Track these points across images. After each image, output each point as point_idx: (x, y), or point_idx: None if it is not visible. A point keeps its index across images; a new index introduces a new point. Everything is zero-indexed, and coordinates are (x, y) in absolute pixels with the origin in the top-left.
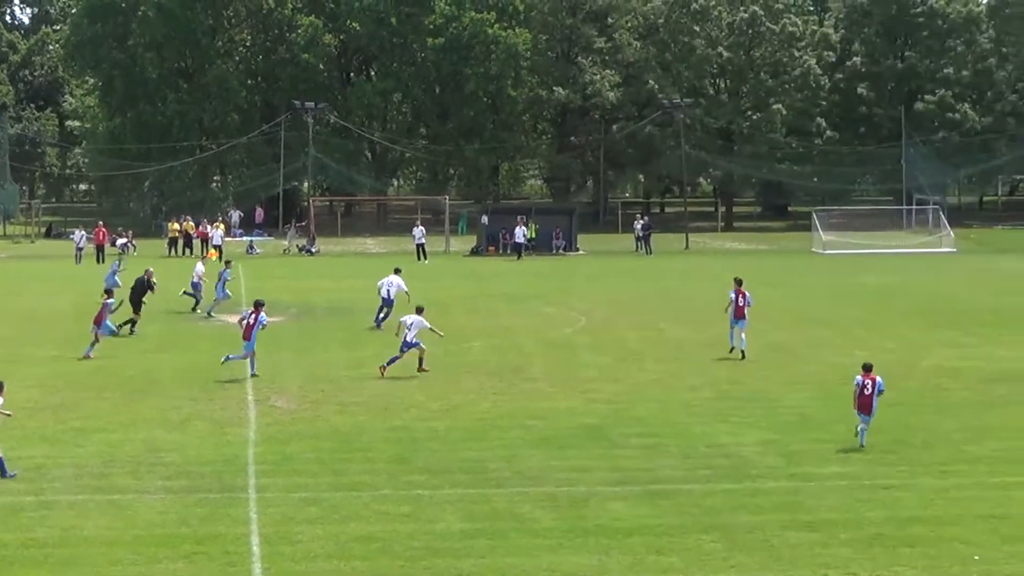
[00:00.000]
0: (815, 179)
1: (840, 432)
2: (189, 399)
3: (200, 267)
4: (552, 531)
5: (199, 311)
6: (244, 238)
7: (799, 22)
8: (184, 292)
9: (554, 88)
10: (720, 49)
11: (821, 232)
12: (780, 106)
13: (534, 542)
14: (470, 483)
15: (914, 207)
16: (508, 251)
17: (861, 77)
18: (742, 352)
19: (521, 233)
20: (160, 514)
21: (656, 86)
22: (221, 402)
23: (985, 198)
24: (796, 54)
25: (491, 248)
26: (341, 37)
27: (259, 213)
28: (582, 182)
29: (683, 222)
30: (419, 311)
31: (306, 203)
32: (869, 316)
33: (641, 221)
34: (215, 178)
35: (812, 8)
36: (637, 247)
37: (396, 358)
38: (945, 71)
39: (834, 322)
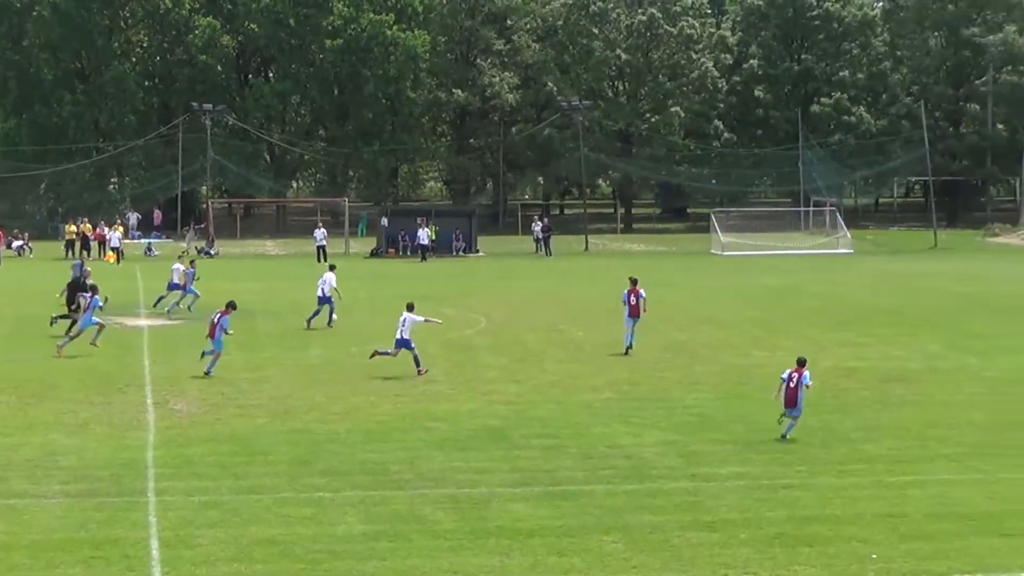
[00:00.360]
0: (713, 181)
1: (739, 432)
2: (87, 403)
3: (179, 266)
4: (453, 533)
5: (184, 307)
6: (142, 240)
7: (696, 24)
8: (161, 298)
9: (453, 90)
10: (618, 51)
11: (720, 234)
12: (678, 108)
13: (435, 544)
14: (371, 485)
15: (811, 209)
16: (408, 253)
17: (758, 80)
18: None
19: (424, 235)
20: (58, 519)
21: (555, 88)
22: (119, 406)
23: (881, 200)
24: (694, 56)
25: (391, 250)
26: (239, 38)
27: (157, 215)
28: (481, 184)
29: (582, 224)
30: (409, 307)
31: (205, 205)
32: (767, 317)
33: (540, 223)
34: (112, 180)
35: (709, 11)
36: (537, 249)
37: (388, 352)
38: (841, 74)
39: (733, 323)
